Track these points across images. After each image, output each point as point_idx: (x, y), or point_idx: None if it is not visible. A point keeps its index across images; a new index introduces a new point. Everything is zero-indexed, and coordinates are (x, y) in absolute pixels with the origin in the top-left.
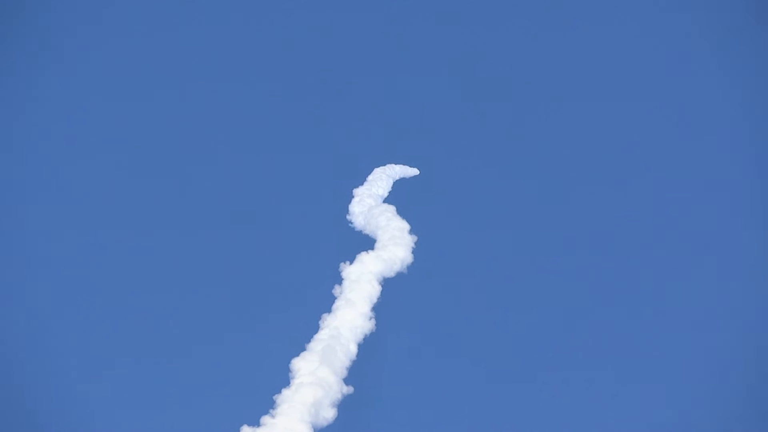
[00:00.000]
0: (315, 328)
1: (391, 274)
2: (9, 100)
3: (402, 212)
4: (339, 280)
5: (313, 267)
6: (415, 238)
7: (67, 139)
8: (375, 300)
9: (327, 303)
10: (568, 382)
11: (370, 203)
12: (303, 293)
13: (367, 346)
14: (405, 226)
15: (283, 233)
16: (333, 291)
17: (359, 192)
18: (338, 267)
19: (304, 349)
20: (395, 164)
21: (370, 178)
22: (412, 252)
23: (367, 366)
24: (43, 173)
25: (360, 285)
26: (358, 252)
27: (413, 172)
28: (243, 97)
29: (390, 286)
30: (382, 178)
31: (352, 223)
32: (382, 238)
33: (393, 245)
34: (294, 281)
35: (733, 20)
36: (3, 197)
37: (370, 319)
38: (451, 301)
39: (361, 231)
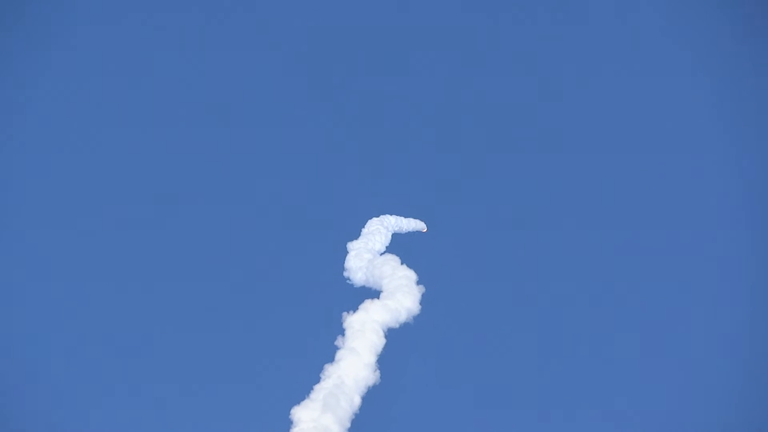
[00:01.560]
0: (316, 378)
1: (395, 324)
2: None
3: (406, 264)
4: (341, 330)
5: (312, 318)
6: (423, 288)
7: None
8: (380, 351)
9: (329, 353)
10: None
11: (368, 258)
12: (303, 343)
13: (371, 398)
14: (412, 275)
15: (277, 290)
16: (335, 342)
17: (355, 246)
18: (340, 317)
19: (305, 398)
20: (392, 215)
21: (365, 230)
22: (420, 302)
23: (371, 419)
24: (41, 174)
25: (364, 335)
26: (359, 305)
27: (417, 225)
28: (225, 141)
29: (395, 336)
30: (380, 230)
31: (350, 279)
32: (388, 287)
33: (400, 294)
34: (293, 332)
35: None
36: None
37: (375, 371)
38: (459, 355)
39: (362, 286)
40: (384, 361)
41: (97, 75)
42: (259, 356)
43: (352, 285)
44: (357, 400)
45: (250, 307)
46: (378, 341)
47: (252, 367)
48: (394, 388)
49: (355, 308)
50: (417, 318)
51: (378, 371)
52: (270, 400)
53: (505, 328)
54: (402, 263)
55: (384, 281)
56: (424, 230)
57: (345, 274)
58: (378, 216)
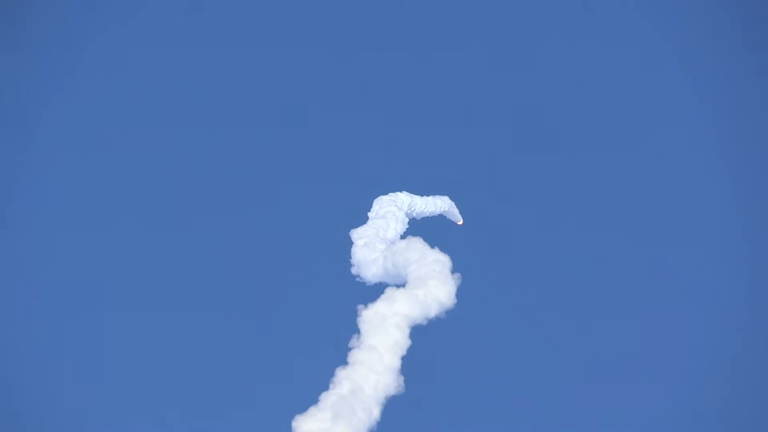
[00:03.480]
0: (325, 385)
1: (423, 320)
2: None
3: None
4: (355, 328)
5: (319, 314)
6: (459, 277)
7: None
8: (404, 352)
9: (341, 355)
10: None
11: (382, 248)
12: (308, 345)
13: (392, 409)
14: (446, 260)
15: (269, 292)
16: (349, 342)
17: (360, 234)
18: (354, 311)
19: (311, 406)
20: (408, 192)
21: (372, 213)
22: (455, 294)
23: None
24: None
25: (385, 331)
26: (378, 297)
27: (442, 205)
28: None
29: (424, 335)
30: (393, 213)
31: (360, 277)
32: (415, 275)
33: (432, 282)
34: (295, 332)
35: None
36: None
37: (398, 376)
38: (502, 360)
39: (378, 282)
40: (409, 364)
41: (100, 75)
42: (257, 362)
43: (363, 283)
44: (376, 412)
45: (244, 309)
46: (402, 340)
47: (250, 374)
48: (422, 398)
49: (372, 300)
50: (451, 313)
51: (402, 377)
52: (270, 410)
53: (560, 329)
54: (433, 247)
55: (410, 268)
56: (460, 222)
57: (353, 270)
58: (387, 194)
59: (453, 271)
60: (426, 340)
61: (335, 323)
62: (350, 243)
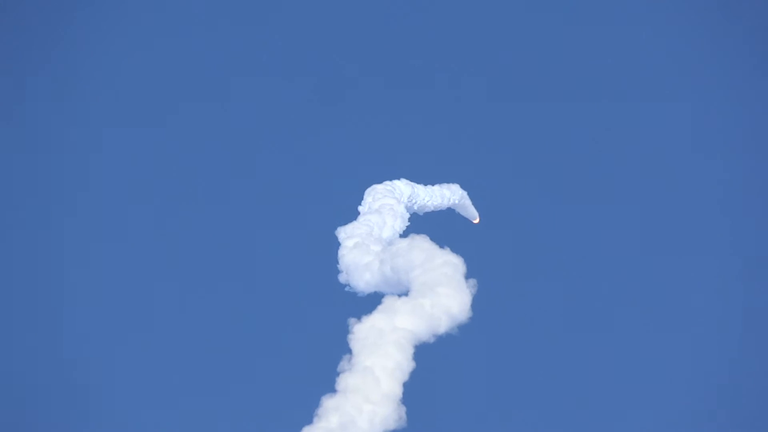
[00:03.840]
0: (308, 418)
1: (430, 337)
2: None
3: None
4: (345, 347)
5: (299, 330)
6: (475, 284)
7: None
8: (407, 376)
9: (328, 380)
10: None
11: (377, 250)
12: (292, 369)
13: None
14: (459, 263)
15: (243, 318)
16: (338, 365)
17: (350, 232)
18: (345, 326)
19: None
20: (407, 180)
21: (364, 207)
22: (471, 305)
23: None
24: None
25: (383, 350)
26: (376, 307)
27: (452, 196)
28: None
29: (430, 355)
30: (390, 207)
31: (350, 286)
32: (420, 281)
33: (443, 290)
34: (268, 355)
35: None
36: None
37: (399, 407)
38: (526, 386)
39: (372, 293)
40: (413, 392)
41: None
42: (225, 391)
43: (354, 293)
44: None
45: (208, 328)
46: (404, 361)
47: (216, 408)
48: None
49: (366, 313)
50: (465, 328)
51: (403, 408)
52: None
53: (596, 348)
54: (442, 247)
55: (413, 273)
56: (476, 220)
57: (341, 277)
58: (383, 183)
59: (467, 277)
60: (433, 362)
61: (320, 342)
62: (337, 244)
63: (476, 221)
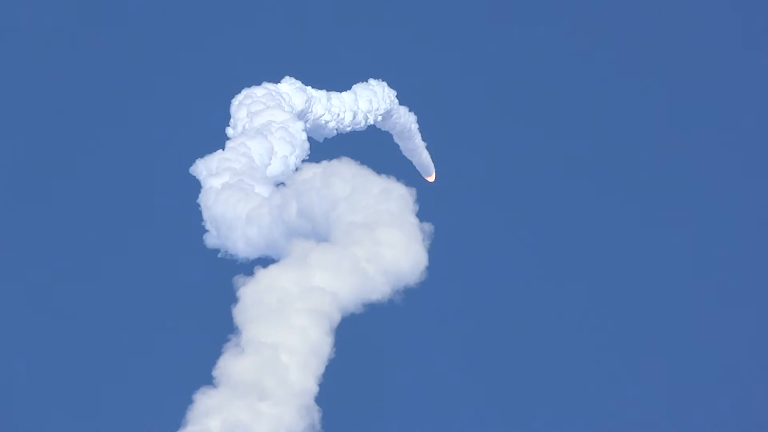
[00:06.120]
0: (174, 423)
1: (359, 305)
2: None
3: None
4: (230, 324)
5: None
6: (431, 228)
7: None
8: (323, 364)
9: (203, 373)
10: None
11: (261, 192)
12: (153, 357)
13: None
14: (406, 193)
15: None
16: (222, 347)
17: (214, 167)
18: (229, 287)
19: None
20: (296, 80)
21: (236, 126)
22: (426, 256)
23: None
24: None
25: (288, 324)
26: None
27: (377, 99)
28: None
29: (361, 331)
30: (286, 128)
31: (224, 250)
32: (349, 219)
33: (384, 232)
34: (130, 341)
35: None
36: None
37: (311, 409)
38: (501, 386)
39: (260, 257)
40: (332, 387)
41: None
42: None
43: (232, 261)
44: None
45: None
46: (321, 343)
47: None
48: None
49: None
50: (414, 293)
51: (317, 412)
52: None
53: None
54: (380, 174)
55: (337, 212)
56: (430, 178)
57: (209, 239)
58: (262, 85)
59: (420, 218)
60: (364, 344)
61: (190, 318)
62: (197, 187)
63: (431, 179)
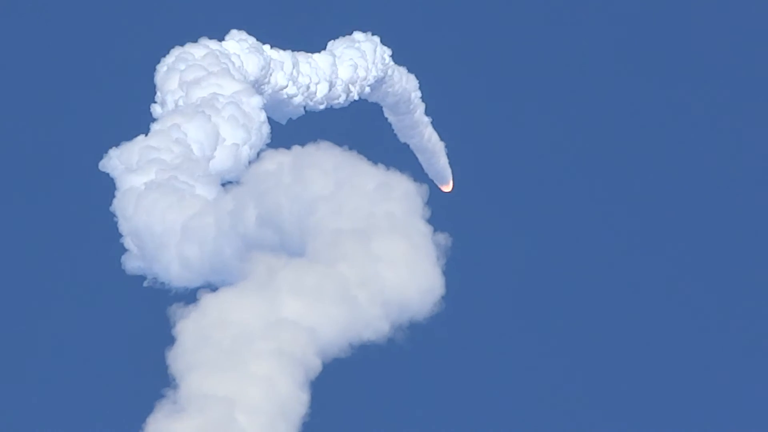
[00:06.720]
0: None
1: (346, 346)
2: None
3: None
4: (162, 366)
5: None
6: (448, 240)
7: None
8: (299, 420)
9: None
10: None
11: (203, 196)
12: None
13: None
14: (414, 191)
15: None
16: (155, 401)
17: (133, 159)
18: (165, 323)
19: None
20: (250, 37)
21: (165, 100)
22: (443, 271)
23: None
24: None
25: (248, 372)
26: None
27: (367, 62)
28: None
29: (343, 382)
30: (237, 104)
31: (149, 276)
32: (332, 227)
33: (381, 246)
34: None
35: None
36: None
37: None
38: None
39: (202, 285)
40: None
41: None
42: None
43: (164, 290)
44: None
45: None
46: (294, 397)
47: None
48: None
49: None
50: (422, 329)
51: None
52: None
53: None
54: (376, 164)
55: (315, 218)
56: (447, 186)
57: (128, 262)
58: (198, 41)
59: (434, 226)
60: (355, 401)
61: (106, 367)
62: (111, 188)
63: (447, 189)
